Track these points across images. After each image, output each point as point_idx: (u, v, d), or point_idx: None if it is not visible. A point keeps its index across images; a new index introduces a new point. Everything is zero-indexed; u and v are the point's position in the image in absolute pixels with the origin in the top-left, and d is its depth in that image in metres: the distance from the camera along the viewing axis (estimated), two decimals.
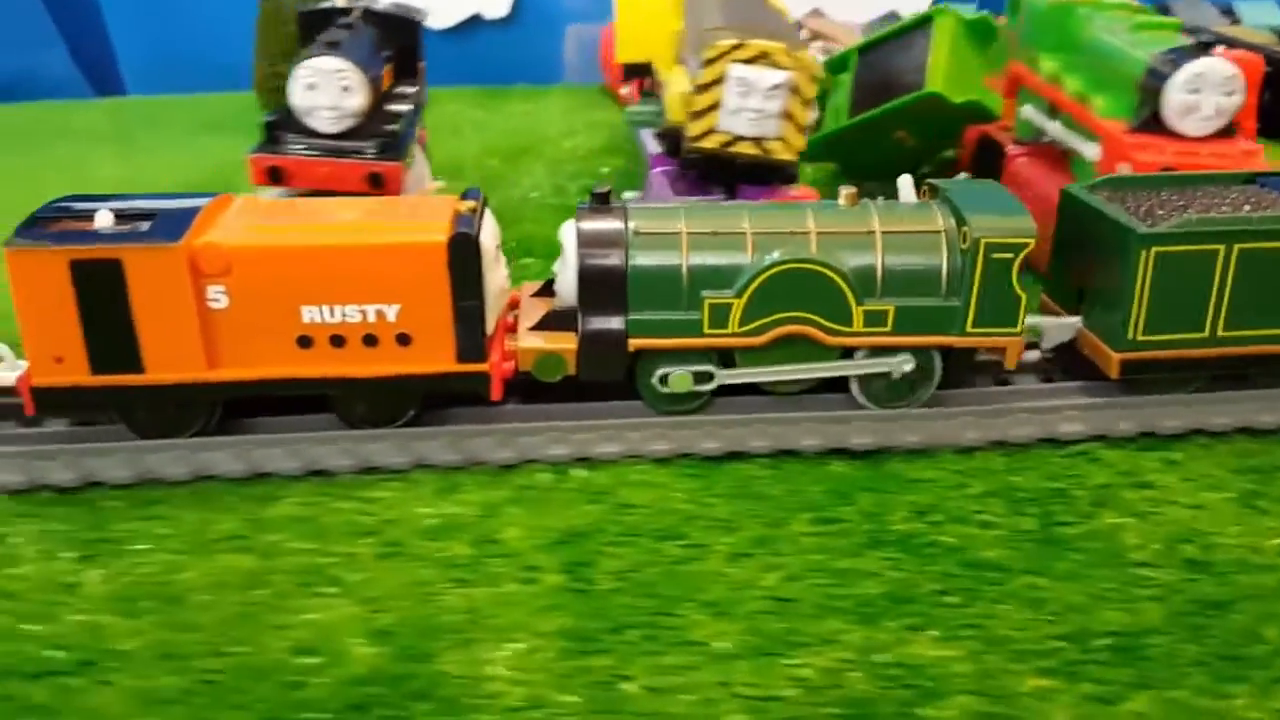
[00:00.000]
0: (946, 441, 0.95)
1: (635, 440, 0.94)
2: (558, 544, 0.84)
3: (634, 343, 0.95)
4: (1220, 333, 0.96)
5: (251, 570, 0.80)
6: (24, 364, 0.89)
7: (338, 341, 0.89)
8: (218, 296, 0.87)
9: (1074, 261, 1.03)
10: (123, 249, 0.84)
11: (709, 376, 0.95)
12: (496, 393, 0.93)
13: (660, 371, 0.95)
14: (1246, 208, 0.99)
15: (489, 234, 0.92)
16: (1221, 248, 0.93)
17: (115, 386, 0.88)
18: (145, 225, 0.87)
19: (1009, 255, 0.93)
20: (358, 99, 1.10)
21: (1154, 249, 0.93)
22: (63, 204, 0.91)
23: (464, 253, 0.88)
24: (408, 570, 0.81)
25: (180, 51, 2.62)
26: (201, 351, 0.88)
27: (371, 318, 0.89)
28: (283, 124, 1.11)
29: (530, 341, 0.95)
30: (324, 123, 1.10)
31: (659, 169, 1.30)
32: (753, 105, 1.09)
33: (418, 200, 1.01)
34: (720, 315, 0.93)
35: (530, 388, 0.97)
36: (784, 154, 1.12)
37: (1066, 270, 1.04)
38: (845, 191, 0.98)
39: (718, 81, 1.10)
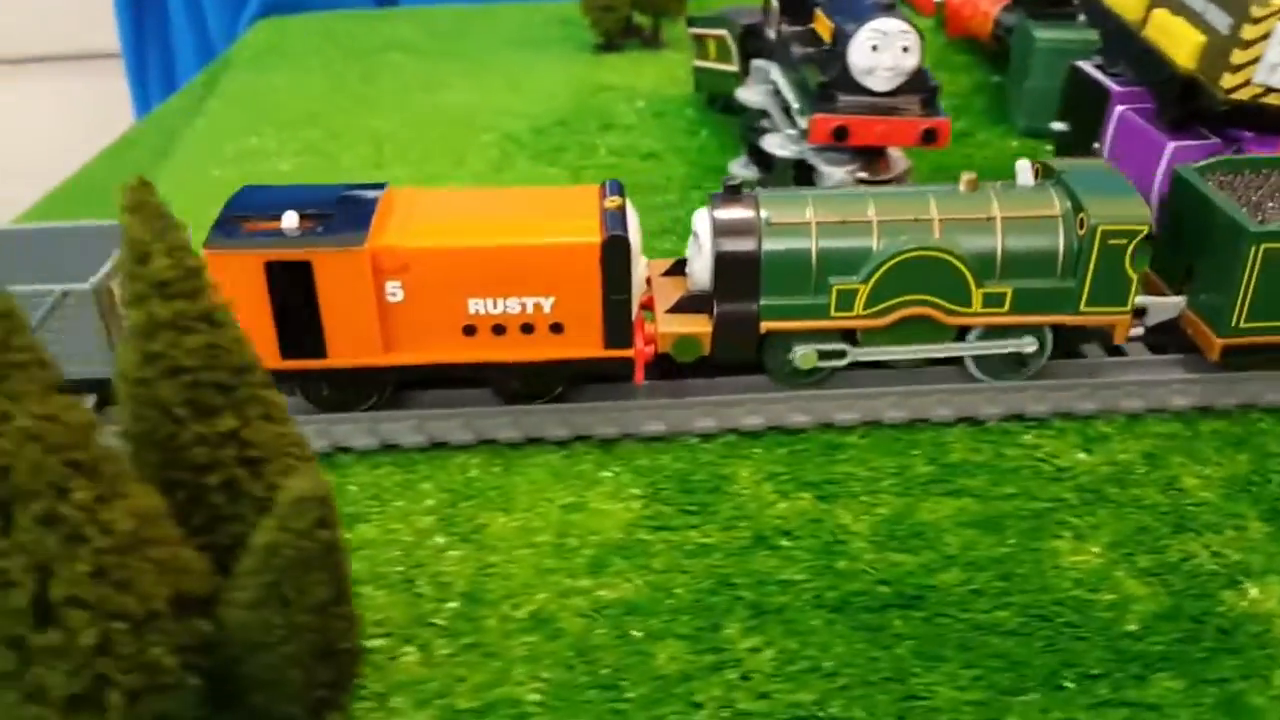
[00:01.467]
0: None
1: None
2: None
3: (766, 325, 0.99)
4: None
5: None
6: None
7: (499, 330, 0.97)
8: (395, 291, 0.95)
9: (1183, 242, 1.05)
10: (313, 251, 0.92)
11: (838, 354, 1.01)
12: (639, 376, 1.00)
13: (791, 351, 1.00)
14: None
15: (634, 230, 0.97)
16: None
17: (301, 370, 0.97)
18: (329, 226, 0.95)
19: (1124, 241, 0.97)
20: (914, 59, 1.16)
21: (1263, 245, 0.96)
22: (246, 199, 0.99)
23: (615, 253, 0.93)
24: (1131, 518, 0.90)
25: None
26: (379, 339, 0.96)
27: (530, 309, 0.96)
28: (835, 83, 1.17)
29: (670, 326, 1.01)
30: (880, 82, 1.17)
31: (1123, 106, 1.35)
32: None
33: (563, 193, 1.08)
34: (847, 300, 0.98)
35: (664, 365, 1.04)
36: None
37: (1175, 249, 1.07)
38: (966, 177, 1.01)
39: (1264, 37, 1.14)
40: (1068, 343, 1.04)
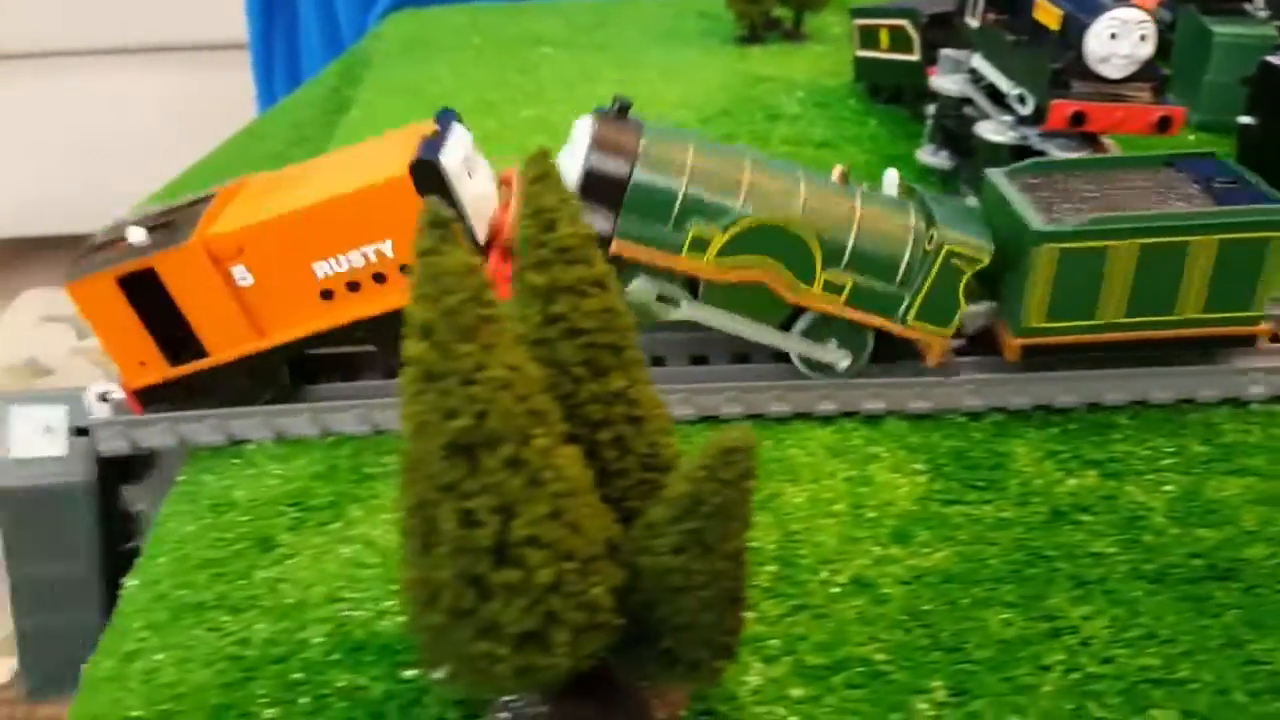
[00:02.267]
0: None
1: None
2: None
3: (617, 246, 0.97)
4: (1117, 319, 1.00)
5: None
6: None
7: (354, 287, 0.96)
8: (244, 275, 0.95)
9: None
10: (152, 258, 0.93)
11: (674, 301, 1.00)
12: (504, 292, 0.93)
13: (631, 284, 0.99)
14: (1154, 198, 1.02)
15: (454, 151, 0.94)
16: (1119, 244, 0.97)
17: (193, 373, 0.98)
18: (168, 231, 0.96)
19: (964, 266, 0.99)
20: (1149, 47, 1.17)
21: (1051, 246, 0.97)
22: (111, 228, 1.00)
23: (426, 178, 0.90)
24: None
25: None
26: (246, 325, 0.97)
27: (373, 258, 0.95)
28: (1068, 70, 1.19)
29: None
30: (1115, 69, 1.18)
31: None
32: None
33: (391, 137, 1.04)
34: (700, 244, 0.97)
35: None
36: None
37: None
38: (838, 169, 1.04)
39: None
40: (883, 351, 1.04)
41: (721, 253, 0.98)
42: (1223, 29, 1.65)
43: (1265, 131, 1.51)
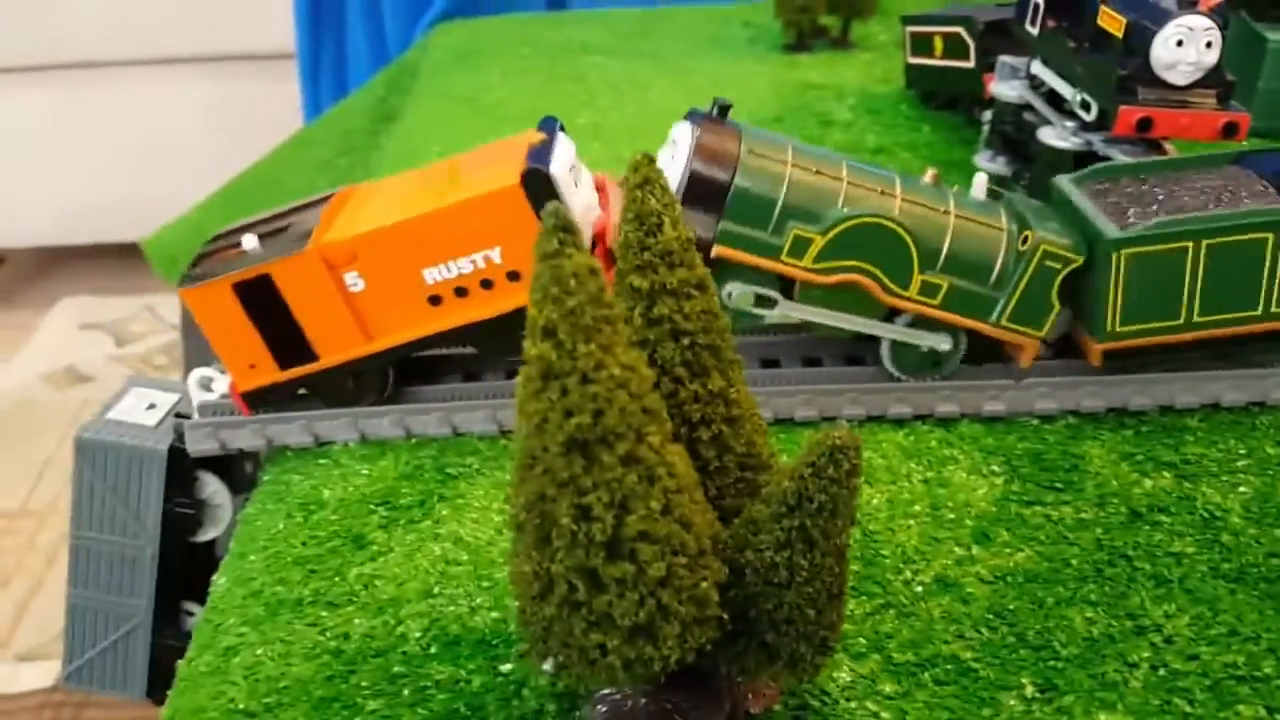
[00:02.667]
0: None
1: None
2: None
3: (718, 250, 0.99)
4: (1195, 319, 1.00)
5: None
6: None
7: (461, 293, 0.98)
8: (355, 281, 0.97)
9: None
10: (269, 265, 0.96)
11: (771, 302, 1.01)
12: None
13: (726, 287, 1.00)
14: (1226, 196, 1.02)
15: (562, 160, 0.96)
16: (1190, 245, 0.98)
17: (301, 376, 1.01)
18: (281, 238, 0.99)
19: (1058, 266, 0.99)
20: (1215, 54, 1.18)
21: (1125, 251, 0.97)
22: (218, 235, 1.04)
23: (537, 187, 0.92)
24: None
25: None
26: (357, 330, 0.99)
27: (481, 264, 0.97)
28: (1134, 76, 1.20)
29: None
30: (1181, 76, 1.19)
31: None
32: None
33: (500, 145, 1.05)
34: (800, 247, 0.99)
35: None
36: None
37: None
38: (930, 171, 1.05)
39: None
40: (976, 353, 1.05)
41: (821, 255, 1.00)
42: (1277, 35, 1.65)
43: None
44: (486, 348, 1.04)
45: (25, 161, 3.35)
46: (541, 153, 0.95)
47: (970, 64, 1.66)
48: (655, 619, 0.62)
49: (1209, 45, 1.19)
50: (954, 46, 1.71)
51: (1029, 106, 1.45)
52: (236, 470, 1.11)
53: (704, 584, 0.63)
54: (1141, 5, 1.24)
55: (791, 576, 0.65)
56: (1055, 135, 1.35)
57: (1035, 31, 1.46)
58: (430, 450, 1.01)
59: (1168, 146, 1.31)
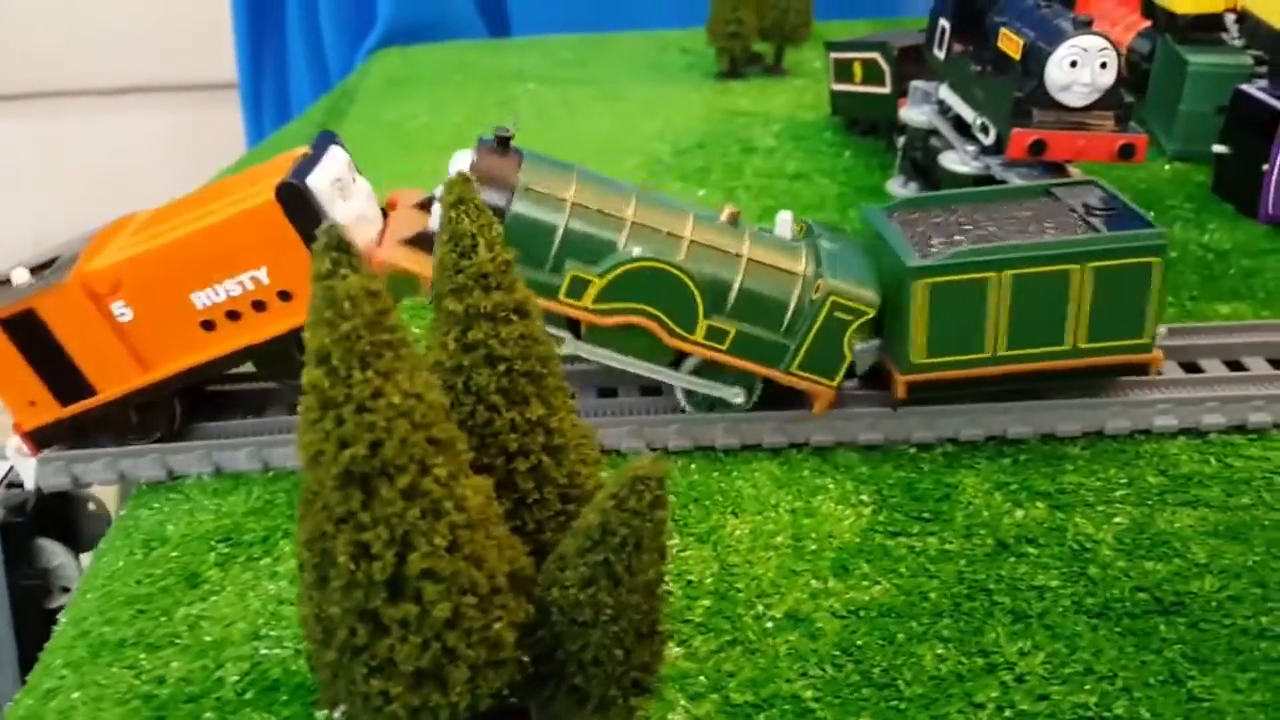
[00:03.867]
0: None
1: None
2: None
3: None
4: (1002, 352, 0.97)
5: None
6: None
7: (234, 316, 0.95)
8: (123, 311, 0.94)
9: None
10: (31, 299, 0.93)
11: (557, 340, 0.96)
12: None
13: None
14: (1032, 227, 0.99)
15: (326, 173, 0.93)
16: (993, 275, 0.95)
17: (82, 410, 0.97)
18: (49, 271, 0.95)
19: (849, 318, 0.96)
20: (1110, 75, 1.16)
21: (925, 280, 0.94)
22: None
23: (295, 201, 0.89)
24: None
25: None
26: (131, 361, 0.96)
27: (250, 285, 0.94)
28: (1029, 98, 1.18)
29: (392, 256, 0.94)
30: (1076, 97, 1.17)
31: None
32: None
33: (269, 164, 1.02)
34: (578, 288, 0.95)
35: None
36: None
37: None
38: (728, 209, 1.00)
39: None
40: (779, 391, 1.01)
41: (600, 297, 0.96)
42: (1197, 58, 1.64)
43: (1239, 160, 1.51)
44: (270, 372, 1.01)
45: None
46: (302, 167, 0.92)
47: (887, 90, 1.65)
48: (442, 663, 0.59)
49: (1104, 66, 1.17)
50: (872, 72, 1.69)
51: (936, 131, 1.44)
52: (79, 528, 1.08)
53: (498, 625, 0.60)
54: (1038, 26, 1.22)
55: (597, 615, 0.62)
56: (955, 160, 1.34)
57: (942, 55, 1.45)
58: (286, 484, 0.97)
59: (1071, 170, 1.29)
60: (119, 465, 0.99)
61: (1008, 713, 0.72)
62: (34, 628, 1.02)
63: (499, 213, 0.93)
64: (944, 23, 1.43)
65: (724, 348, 0.98)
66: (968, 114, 1.33)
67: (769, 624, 0.80)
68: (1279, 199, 1.42)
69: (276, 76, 2.93)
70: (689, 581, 0.84)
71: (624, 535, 0.61)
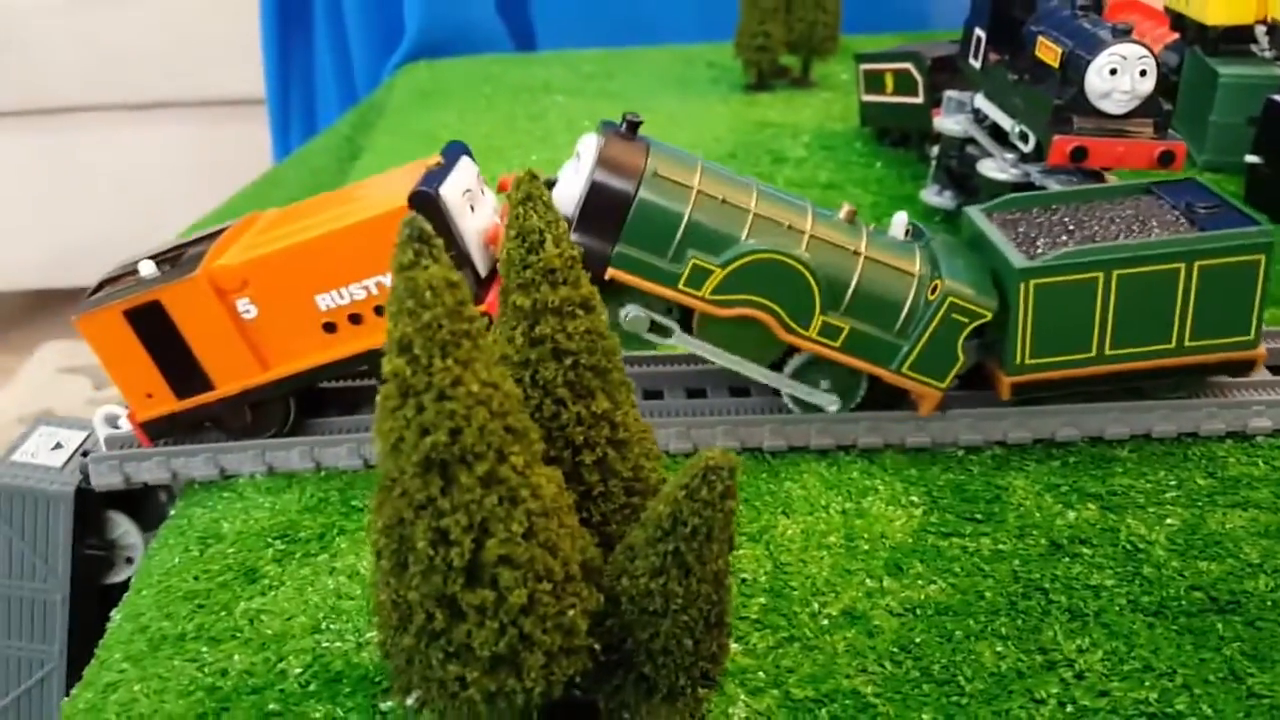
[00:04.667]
0: None
1: None
2: None
3: (612, 272, 0.94)
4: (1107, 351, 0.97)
5: None
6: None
7: (355, 320, 0.95)
8: (247, 308, 0.95)
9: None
10: (158, 291, 0.94)
11: (666, 330, 0.98)
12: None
13: (625, 309, 0.97)
14: (1135, 227, 1.00)
15: (457, 183, 0.93)
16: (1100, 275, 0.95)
17: (198, 405, 0.98)
18: (176, 265, 0.96)
19: (965, 319, 0.96)
20: (1150, 83, 1.17)
21: (1033, 282, 0.95)
22: (125, 263, 1.01)
23: (425, 210, 0.88)
24: None
25: (596, 3, 2.74)
26: (252, 358, 0.96)
27: (375, 290, 0.94)
28: (1070, 106, 1.19)
29: None
30: (1116, 105, 1.18)
31: None
32: None
33: (403, 170, 1.02)
34: (699, 277, 0.95)
35: None
36: None
37: None
38: (846, 208, 1.00)
39: None
40: (880, 395, 1.01)
41: (719, 288, 0.96)
42: (1228, 70, 1.65)
43: (1272, 170, 1.51)
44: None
45: (4, 206, 3.35)
46: (434, 176, 0.93)
47: (919, 100, 1.66)
48: (517, 649, 0.59)
49: (1143, 74, 1.18)
50: (904, 83, 1.70)
51: (973, 140, 1.44)
52: (148, 507, 1.08)
53: (571, 612, 0.61)
54: (1076, 34, 1.23)
55: (667, 604, 0.62)
56: (994, 167, 1.34)
57: (978, 65, 1.46)
58: (338, 483, 0.98)
59: (1109, 177, 1.30)
60: (171, 464, 1.00)
61: (1069, 708, 0.73)
62: (87, 603, 1.04)
63: (626, 199, 0.94)
64: (979, 32, 1.44)
65: (837, 344, 0.98)
66: (1005, 122, 1.34)
67: (825, 621, 0.81)
68: None
69: (304, 91, 2.96)
70: (744, 580, 0.85)
71: (695, 525, 0.61)
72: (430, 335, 0.57)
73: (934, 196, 1.52)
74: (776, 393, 1.03)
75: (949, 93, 1.52)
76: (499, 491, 0.58)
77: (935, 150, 1.54)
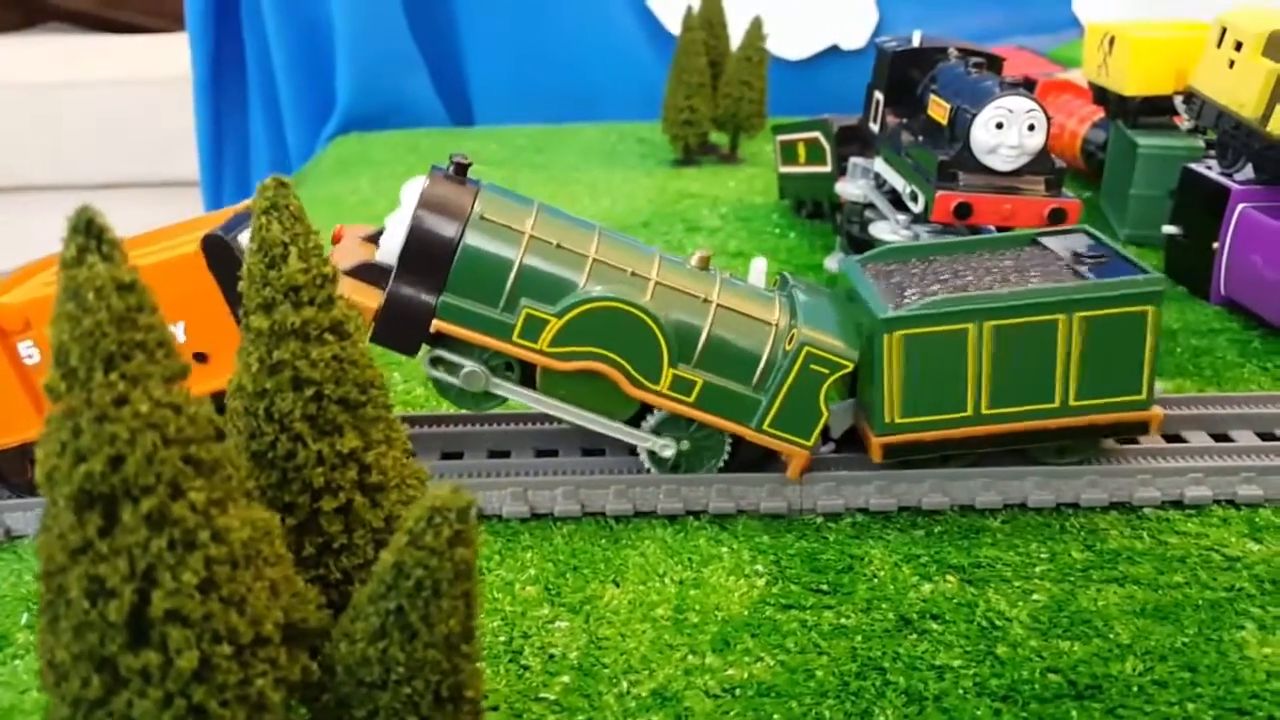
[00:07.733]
0: None
1: None
2: None
3: (439, 325, 0.88)
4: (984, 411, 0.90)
5: None
6: None
7: None
8: (30, 352, 0.88)
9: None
10: None
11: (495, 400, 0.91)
12: None
13: (465, 365, 0.90)
14: (1014, 277, 0.93)
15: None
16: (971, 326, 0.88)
17: None
18: None
19: (825, 371, 0.89)
20: (1039, 138, 1.12)
21: (898, 333, 0.88)
22: None
23: (219, 256, 0.83)
24: None
25: (534, 82, 2.72)
26: (32, 407, 0.88)
27: (180, 337, 0.87)
28: (955, 162, 1.13)
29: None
30: (1003, 161, 1.12)
31: (1245, 203, 1.30)
32: None
33: (212, 216, 0.96)
34: (534, 328, 0.88)
35: None
36: None
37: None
38: (699, 254, 0.94)
39: None
40: (743, 455, 0.94)
41: (557, 339, 0.88)
42: (1147, 141, 1.61)
43: (1189, 240, 1.46)
44: None
45: None
46: (234, 222, 0.86)
47: (828, 168, 1.61)
48: None
49: (1032, 128, 1.13)
50: (814, 153, 1.66)
51: (873, 205, 1.39)
52: None
53: (260, 681, 0.51)
54: (964, 90, 1.19)
55: (387, 674, 0.53)
56: (886, 229, 1.28)
57: (877, 128, 1.41)
58: None
59: None
60: None
61: None
62: None
63: (450, 244, 0.87)
64: (878, 95, 1.40)
65: (690, 400, 0.90)
66: (899, 184, 1.29)
67: (632, 703, 0.71)
68: (1229, 279, 1.36)
69: (238, 167, 2.91)
70: (550, 655, 0.75)
71: (419, 577, 0.52)
72: (91, 345, 0.48)
73: (836, 264, 1.46)
74: (634, 451, 0.96)
75: (853, 159, 1.47)
76: (170, 534, 0.49)
77: (839, 217, 1.49)
